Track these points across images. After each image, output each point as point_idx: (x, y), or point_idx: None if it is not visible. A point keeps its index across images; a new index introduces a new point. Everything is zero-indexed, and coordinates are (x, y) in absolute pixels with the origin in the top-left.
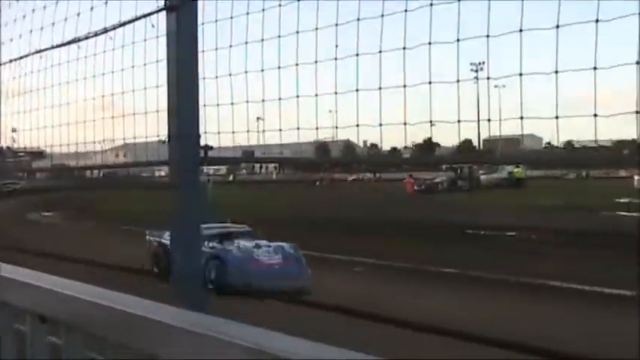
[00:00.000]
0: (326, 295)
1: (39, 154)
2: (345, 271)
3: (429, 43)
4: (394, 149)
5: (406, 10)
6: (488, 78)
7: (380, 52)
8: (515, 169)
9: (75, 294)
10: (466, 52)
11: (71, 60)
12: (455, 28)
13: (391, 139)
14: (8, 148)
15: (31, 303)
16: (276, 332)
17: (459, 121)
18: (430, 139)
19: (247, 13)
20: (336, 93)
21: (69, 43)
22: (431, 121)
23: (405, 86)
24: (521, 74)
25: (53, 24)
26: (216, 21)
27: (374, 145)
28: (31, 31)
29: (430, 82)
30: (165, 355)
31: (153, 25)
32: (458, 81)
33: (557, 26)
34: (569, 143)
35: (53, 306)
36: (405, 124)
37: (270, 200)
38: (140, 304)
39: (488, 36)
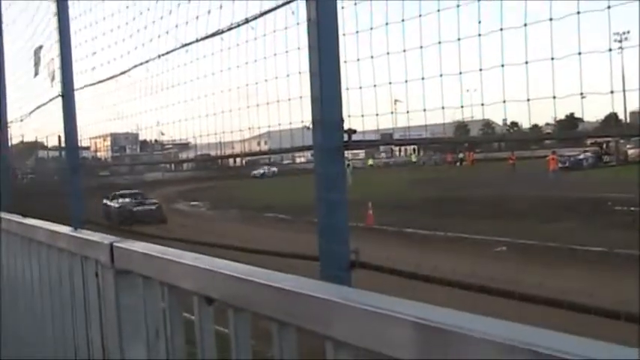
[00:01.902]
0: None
1: (184, 146)
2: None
3: (578, 13)
4: (535, 126)
5: None
6: None
7: (525, 25)
8: None
9: (240, 275)
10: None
11: (215, 52)
12: None
13: (532, 116)
14: (156, 141)
15: (198, 285)
16: (441, 307)
17: (611, 92)
18: (573, 114)
19: None
20: (480, 70)
21: (213, 35)
22: (582, 94)
23: (552, 59)
24: None
25: (197, 17)
26: (355, 4)
27: (514, 124)
28: (177, 25)
29: (580, 53)
30: (339, 334)
31: (293, 13)
32: (610, 50)
33: None
34: None
35: (220, 288)
36: (554, 97)
37: (414, 183)
38: (308, 284)
39: None
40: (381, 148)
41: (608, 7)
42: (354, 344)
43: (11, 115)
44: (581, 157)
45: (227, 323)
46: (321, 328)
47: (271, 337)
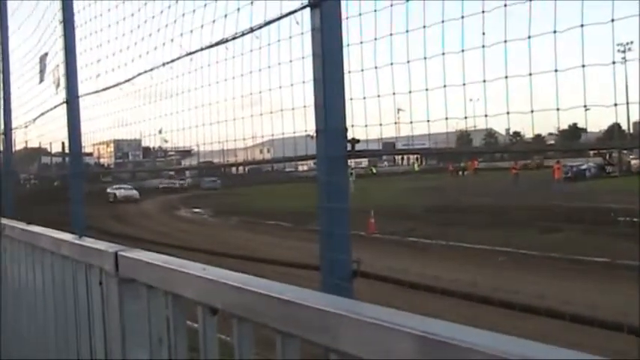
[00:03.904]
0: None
1: (187, 153)
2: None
3: (582, 26)
4: (538, 136)
5: None
6: None
7: (529, 37)
8: None
9: (245, 286)
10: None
11: (220, 60)
12: (602, 8)
13: (535, 125)
14: (160, 147)
15: (202, 295)
16: (444, 321)
17: (615, 105)
18: (576, 124)
19: (391, 5)
20: (484, 81)
21: (217, 44)
22: (585, 106)
23: (556, 71)
24: None
25: (202, 26)
26: (359, 14)
27: (516, 133)
28: (181, 34)
29: (583, 66)
30: (343, 346)
31: (297, 22)
32: (614, 62)
33: None
34: None
35: (224, 298)
36: (557, 109)
37: (416, 191)
38: (312, 295)
39: None
40: (384, 156)
41: (612, 20)
42: (358, 356)
43: (15, 121)
44: (584, 167)
45: (229, 331)
46: (325, 340)
47: (275, 347)
